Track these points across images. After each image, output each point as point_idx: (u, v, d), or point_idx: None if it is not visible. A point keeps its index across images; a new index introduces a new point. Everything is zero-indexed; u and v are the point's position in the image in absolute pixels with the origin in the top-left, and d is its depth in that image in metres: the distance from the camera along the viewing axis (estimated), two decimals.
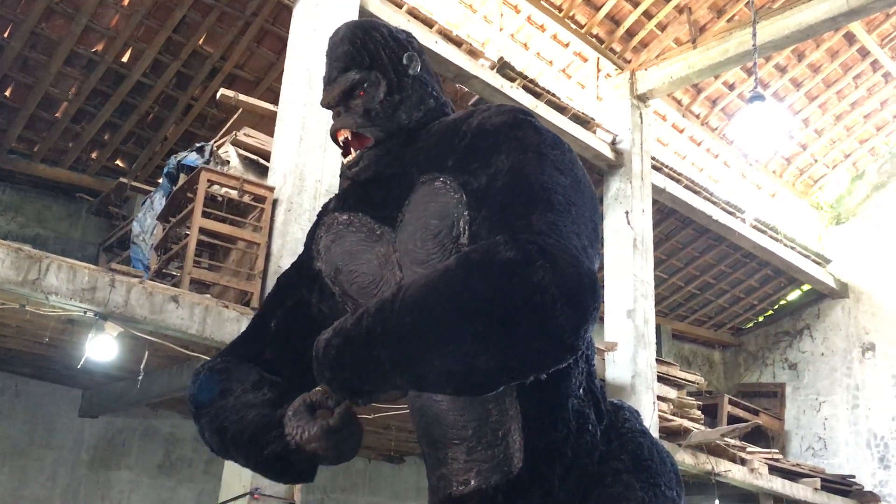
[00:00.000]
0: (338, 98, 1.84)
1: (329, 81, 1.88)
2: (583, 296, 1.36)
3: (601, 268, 8.75)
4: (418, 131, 1.82)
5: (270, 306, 1.97)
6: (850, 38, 10.80)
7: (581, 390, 1.74)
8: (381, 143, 1.80)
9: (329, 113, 5.93)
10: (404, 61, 1.85)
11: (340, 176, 6.31)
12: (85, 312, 4.84)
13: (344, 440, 1.58)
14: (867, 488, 11.49)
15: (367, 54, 1.84)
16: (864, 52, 11.07)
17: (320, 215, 1.98)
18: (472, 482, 1.70)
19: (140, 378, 5.56)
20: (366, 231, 1.84)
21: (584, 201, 1.59)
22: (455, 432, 1.72)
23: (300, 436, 1.58)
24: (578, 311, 1.35)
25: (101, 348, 4.97)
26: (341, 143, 1.85)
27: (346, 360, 1.45)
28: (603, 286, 8.67)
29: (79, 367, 5.26)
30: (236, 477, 5.20)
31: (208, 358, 5.53)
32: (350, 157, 1.82)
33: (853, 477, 11.48)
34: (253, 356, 1.91)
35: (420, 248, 1.69)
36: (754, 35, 7.38)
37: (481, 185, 1.65)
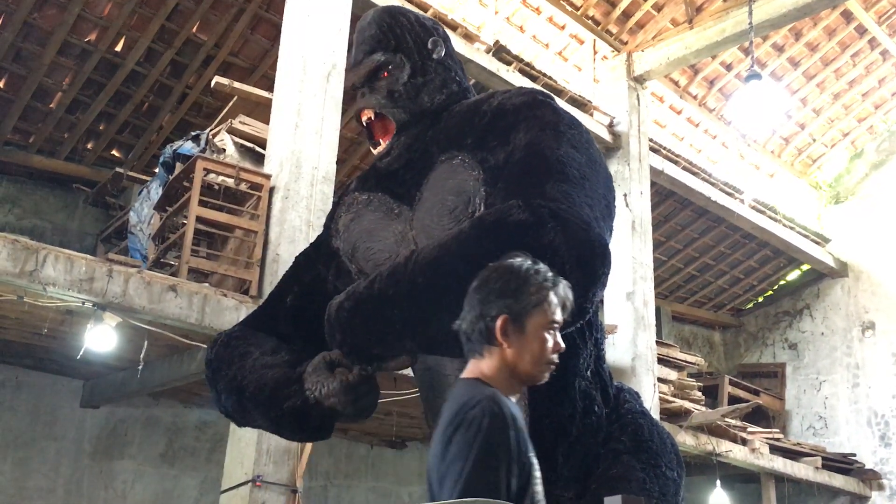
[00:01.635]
0: (363, 79, 1.88)
1: (355, 63, 1.91)
2: (593, 259, 1.38)
3: None
4: (441, 113, 1.85)
5: (287, 282, 2.03)
6: (847, 16, 10.73)
7: (588, 372, 1.77)
8: (407, 128, 1.83)
9: (322, 99, 5.91)
10: (429, 46, 1.90)
11: (338, 163, 6.30)
12: (83, 303, 4.83)
13: (362, 396, 1.63)
14: (868, 466, 11.52)
15: (393, 37, 1.87)
16: (861, 30, 11.00)
17: (341, 195, 2.03)
18: None
19: (140, 368, 5.56)
20: (384, 210, 1.89)
21: (598, 178, 1.61)
22: None
23: (319, 391, 1.63)
24: (588, 273, 1.37)
25: (100, 339, 4.97)
26: (364, 123, 1.89)
27: (358, 322, 1.47)
28: None
29: (78, 357, 5.26)
30: (239, 465, 5.21)
31: (207, 347, 5.54)
32: (381, 148, 1.86)
33: (854, 455, 11.51)
34: (268, 329, 1.96)
35: (436, 223, 1.71)
36: (750, 14, 7.36)
37: (498, 161, 1.68)
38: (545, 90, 1.84)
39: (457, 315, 1.40)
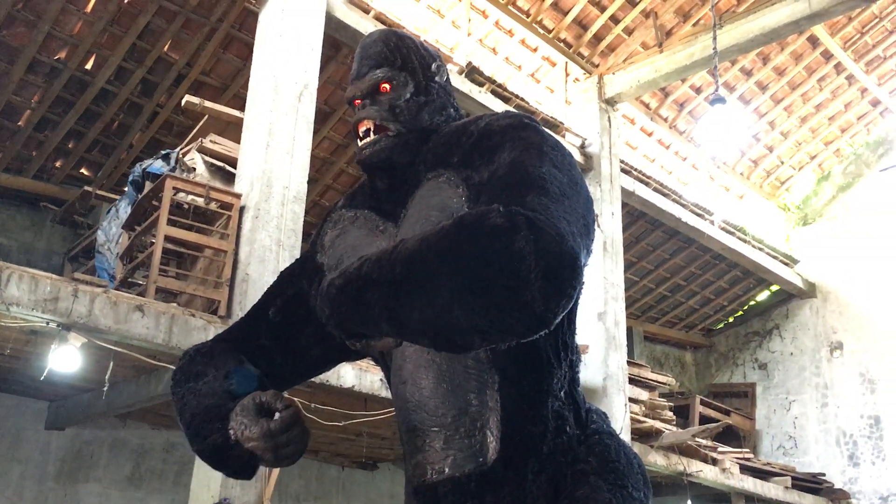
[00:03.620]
0: (366, 91, 1.91)
1: (358, 76, 1.94)
2: (561, 272, 1.39)
3: None
4: (431, 134, 1.90)
5: (271, 296, 2.04)
6: (813, 42, 10.95)
7: (563, 393, 1.77)
8: (400, 135, 1.87)
9: (293, 119, 5.93)
10: (433, 68, 1.96)
11: (309, 182, 6.28)
12: (48, 323, 4.76)
13: (283, 445, 1.61)
14: (837, 486, 11.63)
15: (399, 56, 1.93)
16: (827, 55, 11.23)
17: (329, 213, 2.06)
18: (447, 470, 1.72)
19: (105, 389, 5.48)
20: (370, 227, 1.91)
21: (578, 198, 1.65)
22: (435, 419, 1.75)
23: (241, 432, 1.63)
24: (554, 285, 1.37)
25: (65, 359, 4.89)
26: (361, 135, 1.90)
27: (343, 300, 1.48)
28: None
29: (42, 378, 5.17)
30: (205, 487, 5.14)
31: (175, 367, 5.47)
32: (367, 139, 1.87)
33: (823, 475, 11.61)
34: (249, 341, 1.98)
35: None
36: (714, 39, 7.48)
37: (482, 179, 1.71)
38: (531, 116, 1.89)
39: (424, 306, 1.40)
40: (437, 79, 1.95)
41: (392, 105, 1.88)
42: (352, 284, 1.47)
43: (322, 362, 2.05)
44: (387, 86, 1.90)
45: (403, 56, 1.93)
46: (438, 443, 1.74)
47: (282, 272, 2.08)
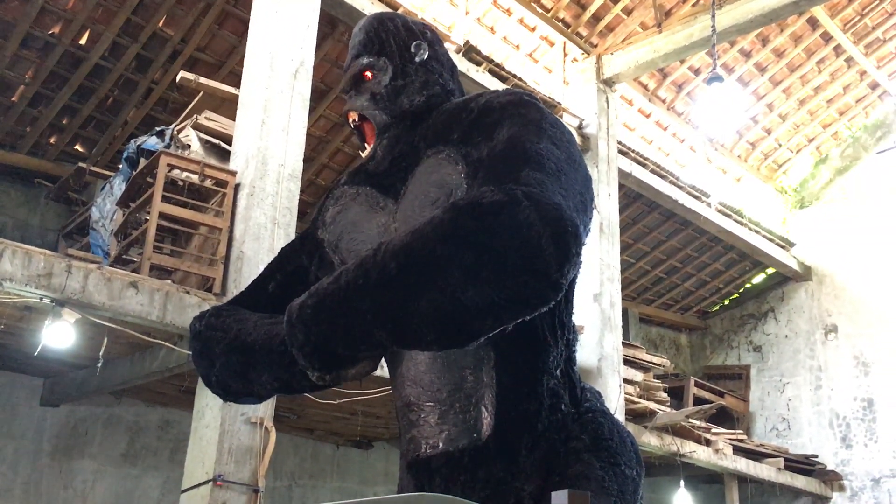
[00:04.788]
0: (350, 82, 1.96)
1: (345, 68, 2.00)
2: (565, 237, 1.40)
3: None
4: (429, 112, 1.92)
5: (271, 271, 2.06)
6: (813, 23, 10.89)
7: (558, 372, 1.78)
8: (388, 129, 1.90)
9: (289, 96, 5.94)
10: (411, 49, 1.96)
11: (305, 160, 6.25)
12: (41, 299, 4.75)
13: None
14: (829, 467, 11.69)
15: (377, 42, 1.95)
16: (827, 37, 11.17)
17: (331, 189, 2.07)
18: (441, 445, 1.74)
19: (99, 365, 5.47)
20: (370, 203, 1.92)
21: (575, 175, 1.65)
22: (430, 394, 1.76)
23: None
24: (562, 249, 1.39)
25: (59, 335, 4.89)
26: (352, 125, 1.96)
27: (323, 318, 1.45)
28: None
29: (36, 354, 5.17)
30: (200, 464, 5.14)
31: (170, 345, 5.44)
32: (366, 153, 1.94)
33: (816, 456, 11.67)
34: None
35: (417, 214, 1.74)
36: (713, 18, 7.45)
37: (481, 155, 1.72)
38: (531, 93, 1.89)
39: (432, 292, 1.38)
40: (416, 59, 1.95)
41: (373, 93, 1.91)
42: (330, 299, 1.44)
43: None
44: (368, 74, 1.93)
45: (382, 41, 1.94)
46: (433, 418, 1.75)
47: (283, 248, 2.10)
